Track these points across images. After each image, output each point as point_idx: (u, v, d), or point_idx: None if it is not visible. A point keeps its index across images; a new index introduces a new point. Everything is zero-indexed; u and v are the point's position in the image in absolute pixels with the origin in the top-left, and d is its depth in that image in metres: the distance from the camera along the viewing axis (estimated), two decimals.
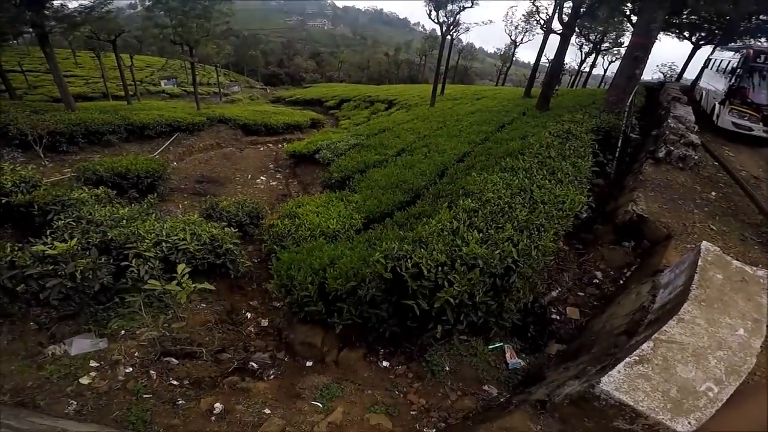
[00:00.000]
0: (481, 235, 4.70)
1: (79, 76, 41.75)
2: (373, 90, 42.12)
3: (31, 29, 17.97)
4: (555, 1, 17.85)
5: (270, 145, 21.64)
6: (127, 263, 5.72)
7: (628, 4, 16.57)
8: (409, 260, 4.37)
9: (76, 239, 5.33)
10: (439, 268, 4.24)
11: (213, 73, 51.36)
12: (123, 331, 5.07)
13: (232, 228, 7.78)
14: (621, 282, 5.56)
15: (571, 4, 16.63)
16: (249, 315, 6.43)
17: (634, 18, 18.61)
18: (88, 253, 5.33)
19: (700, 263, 3.78)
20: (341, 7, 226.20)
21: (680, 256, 4.92)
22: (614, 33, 31.42)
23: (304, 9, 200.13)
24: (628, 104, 10.52)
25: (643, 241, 6.11)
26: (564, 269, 5.94)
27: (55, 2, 17.52)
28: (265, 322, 6.28)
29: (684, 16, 19.38)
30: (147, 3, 24.42)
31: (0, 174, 8.16)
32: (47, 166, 12.15)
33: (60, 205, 7.61)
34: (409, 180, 10.15)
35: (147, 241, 6.31)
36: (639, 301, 4.31)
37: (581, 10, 16.40)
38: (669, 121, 9.42)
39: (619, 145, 9.18)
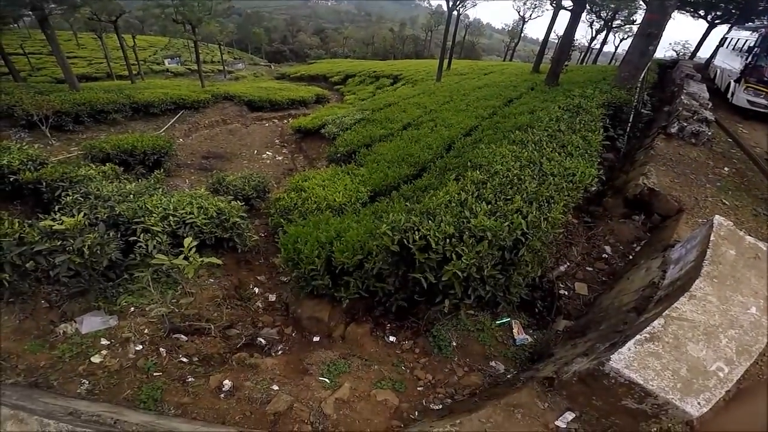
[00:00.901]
0: (489, 206, 4.62)
1: (82, 57, 41.45)
2: (378, 65, 41.11)
3: (30, 12, 17.72)
4: None
5: (275, 120, 21.43)
6: (135, 238, 5.78)
7: None
8: (416, 232, 4.31)
9: (83, 213, 5.33)
10: (447, 241, 4.18)
11: (216, 52, 50.69)
12: (132, 308, 5.12)
13: (238, 202, 7.76)
14: (630, 257, 5.47)
15: None
16: (257, 290, 6.46)
17: None
18: (95, 228, 5.33)
19: (712, 238, 3.67)
20: None
21: (692, 230, 4.81)
22: (626, 10, 30.12)
23: None
24: (640, 80, 10.28)
25: (653, 215, 5.99)
26: (573, 243, 5.86)
27: None
28: (272, 297, 6.32)
29: None
30: None
31: (8, 153, 8.18)
32: (54, 145, 12.16)
33: (68, 182, 7.65)
34: (415, 154, 10.02)
35: (154, 215, 6.32)
36: (649, 276, 4.22)
37: None
38: (682, 97, 9.23)
39: (630, 120, 8.98)
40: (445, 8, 27.38)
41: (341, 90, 32.54)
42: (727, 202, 6.10)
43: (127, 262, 5.59)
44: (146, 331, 4.79)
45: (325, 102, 27.08)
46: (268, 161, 15.01)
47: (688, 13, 22.18)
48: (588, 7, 23.55)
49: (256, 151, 15.88)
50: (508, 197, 4.77)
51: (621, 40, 41.29)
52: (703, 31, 22.92)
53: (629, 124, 8.96)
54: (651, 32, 10.67)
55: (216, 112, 19.40)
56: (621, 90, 10.28)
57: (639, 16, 28.78)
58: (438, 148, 10.24)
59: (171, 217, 6.39)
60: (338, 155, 11.99)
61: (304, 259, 5.24)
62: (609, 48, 42.67)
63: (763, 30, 10.92)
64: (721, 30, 21.35)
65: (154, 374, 4.16)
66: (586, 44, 39.72)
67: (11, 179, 7.64)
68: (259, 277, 6.86)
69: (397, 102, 17.72)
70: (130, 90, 18.12)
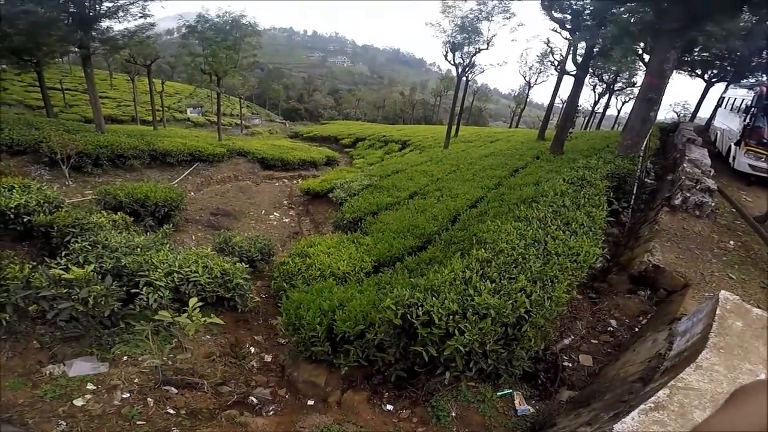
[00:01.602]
0: (493, 285, 4.69)
1: (112, 98, 43.81)
2: (387, 129, 43.01)
3: (77, 49, 19.10)
4: (568, 43, 18.07)
5: (285, 180, 22.07)
6: (137, 290, 5.81)
7: (641, 44, 16.80)
8: (420, 308, 4.37)
9: (93, 266, 5.40)
10: (451, 317, 4.22)
11: (236, 105, 53.32)
12: (126, 357, 5.04)
13: (243, 263, 7.82)
14: (636, 330, 5.45)
15: (584, 44, 16.89)
16: (253, 349, 6.35)
17: (646, 57, 18.75)
18: (102, 279, 5.39)
19: (718, 312, 3.69)
20: (361, 45, 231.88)
21: (698, 304, 4.82)
22: (627, 72, 31.53)
23: (327, 46, 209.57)
24: (642, 148, 10.34)
25: (659, 290, 6.01)
26: (577, 317, 5.85)
27: (102, 24, 18.75)
28: (268, 358, 6.20)
29: (696, 54, 19.42)
30: (184, 30, 25.78)
31: (27, 192, 8.40)
32: (70, 186, 12.51)
33: (78, 229, 7.76)
34: (420, 225, 10.17)
35: (159, 270, 6.39)
36: (655, 348, 4.20)
37: (594, 50, 16.63)
38: (684, 165, 9.18)
39: (634, 192, 9.11)
40: (454, 73, 28.70)
41: (351, 153, 33.85)
42: (733, 276, 6.11)
43: (125, 311, 5.58)
44: (136, 380, 4.66)
45: (335, 164, 28.03)
46: (275, 222, 15.26)
47: (685, 73, 22.71)
48: (590, 71, 24.71)
49: (264, 211, 16.21)
50: (513, 276, 4.85)
51: (623, 103, 42.47)
52: (702, 90, 23.37)
53: (633, 196, 9.07)
54: (651, 97, 10.79)
55: (229, 167, 20.08)
56: (624, 160, 10.31)
57: (639, 78, 30.06)
58: (443, 219, 10.42)
59: (175, 274, 6.45)
60: (344, 222, 12.19)
61: (305, 325, 5.23)
62: (612, 111, 44.14)
63: (759, 88, 10.75)
64: (719, 88, 21.60)
65: (138, 423, 3.99)
66: (590, 108, 41.11)
67: (25, 220, 7.74)
68: (256, 337, 6.76)
69: (405, 169, 18.31)
70: (151, 137, 18.94)
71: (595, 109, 39.84)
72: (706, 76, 22.43)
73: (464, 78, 27.97)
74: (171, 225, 10.16)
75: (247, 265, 7.99)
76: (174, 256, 7.03)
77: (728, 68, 20.52)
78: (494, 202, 10.34)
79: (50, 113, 24.44)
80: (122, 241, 7.47)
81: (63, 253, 6.51)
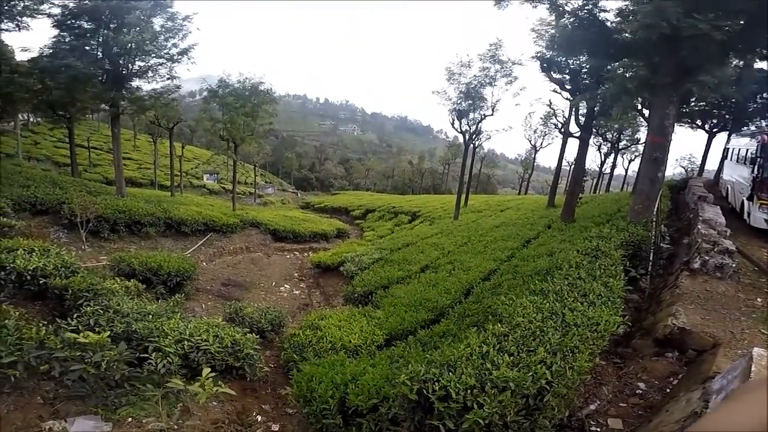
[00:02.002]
0: (511, 358, 4.59)
1: (134, 159, 45.62)
2: (397, 200, 43.51)
3: (108, 107, 20.37)
4: (569, 103, 18.19)
5: (296, 252, 22.23)
6: (145, 355, 5.76)
7: (639, 100, 16.94)
8: (436, 383, 4.25)
9: (108, 333, 5.43)
10: (468, 391, 4.07)
11: (251, 172, 55.03)
12: (130, 419, 4.87)
13: (253, 334, 7.79)
14: (667, 390, 5.17)
15: (585, 104, 17.06)
16: (260, 418, 6.08)
17: (647, 112, 18.90)
18: (116, 344, 5.38)
19: (753, 368, 3.56)
20: (370, 113, 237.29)
21: (731, 362, 4.60)
22: (630, 129, 31.53)
23: (338, 113, 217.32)
24: (654, 211, 10.19)
25: (687, 351, 5.76)
26: (602, 383, 5.59)
27: (132, 83, 20.11)
28: (275, 427, 5.91)
29: (693, 104, 19.42)
30: (205, 94, 27.12)
31: (45, 256, 8.63)
32: (86, 251, 12.70)
33: (92, 293, 7.84)
34: (432, 298, 10.10)
35: (170, 337, 6.38)
36: (690, 407, 4.02)
37: (595, 110, 16.77)
38: (699, 226, 9.02)
39: (651, 258, 8.97)
40: (461, 140, 28.75)
41: (361, 225, 34.30)
42: (765, 332, 5.91)
43: (133, 373, 5.48)
44: None
45: (346, 237, 28.32)
46: (286, 294, 15.22)
47: (686, 125, 22.56)
48: (594, 130, 24.43)
49: (274, 283, 16.22)
50: (531, 349, 4.75)
51: (629, 162, 42.18)
52: (705, 142, 23.10)
53: (650, 262, 8.91)
54: (656, 157, 10.76)
55: (242, 238, 20.43)
56: (637, 226, 10.16)
57: (642, 134, 30.12)
58: (456, 292, 10.34)
59: (186, 342, 6.42)
60: (355, 295, 12.21)
61: (317, 398, 5.10)
62: (620, 170, 43.53)
63: (761, 137, 10.64)
64: (722, 138, 21.42)
65: None
66: (597, 169, 40.52)
67: (41, 282, 7.87)
68: (264, 406, 6.50)
69: (415, 242, 18.43)
70: (168, 204, 19.51)
71: (603, 169, 39.44)
72: (707, 127, 22.32)
73: (471, 145, 28.11)
74: (182, 294, 10.22)
75: (257, 336, 7.94)
76: (185, 325, 7.05)
77: (727, 117, 20.57)
78: (508, 274, 10.28)
79: (75, 172, 25.58)
80: (134, 307, 7.51)
81: (75, 315, 6.53)
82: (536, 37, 15.65)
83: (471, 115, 25.56)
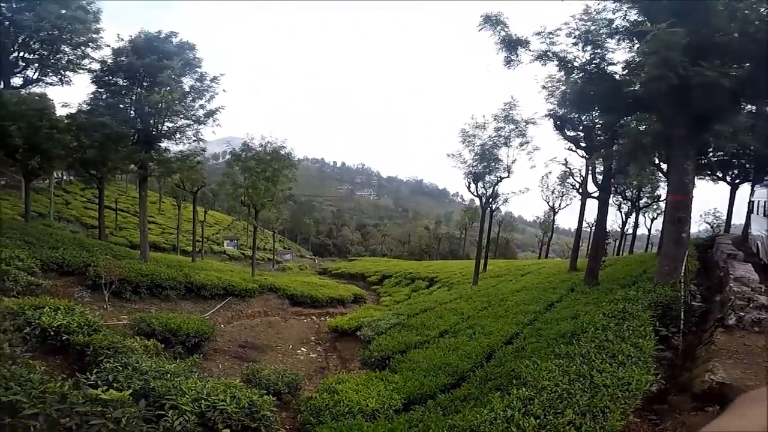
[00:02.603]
0: (538, 421, 4.39)
1: (158, 223, 46.65)
2: (414, 266, 42.79)
3: (137, 168, 21.07)
4: (585, 162, 17.84)
5: (314, 317, 22.04)
6: (162, 412, 5.69)
7: (656, 155, 16.25)
8: None
9: (130, 390, 5.46)
10: None
11: (270, 239, 55.65)
12: None
13: (270, 395, 7.67)
14: None
15: (602, 163, 16.52)
16: None
17: (665, 166, 18.14)
18: (136, 402, 5.38)
19: None
20: (386, 177, 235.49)
21: None
22: (649, 186, 30.14)
23: (354, 178, 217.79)
24: (681, 272, 9.90)
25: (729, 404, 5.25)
26: None
27: (161, 145, 21.12)
28: None
29: (711, 155, 18.48)
30: (228, 157, 28.09)
31: (70, 314, 8.86)
32: (108, 310, 12.90)
33: (113, 351, 7.92)
34: (453, 363, 9.88)
35: (187, 396, 6.33)
36: None
37: (612, 167, 16.19)
38: (731, 284, 8.72)
39: (682, 317, 8.59)
40: (478, 203, 27.89)
41: (378, 290, 33.86)
42: None
43: (150, 430, 5.38)
44: None
45: (362, 302, 27.99)
46: (302, 357, 15.08)
47: (706, 177, 21.50)
48: (613, 189, 23.19)
49: (291, 346, 16.08)
50: (559, 411, 4.53)
51: (652, 221, 39.68)
52: (729, 194, 21.82)
53: (682, 320, 8.50)
54: (679, 217, 10.36)
55: (260, 302, 20.46)
56: (665, 287, 9.75)
57: (663, 190, 28.38)
58: (477, 357, 10.08)
59: (203, 401, 6.35)
60: (372, 359, 12.10)
61: None
62: (642, 230, 40.49)
63: None
64: (745, 189, 20.38)
65: None
66: (619, 229, 38.32)
67: (63, 338, 8.04)
68: None
69: (434, 307, 18.12)
70: (189, 269, 19.89)
71: (625, 230, 37.55)
72: (728, 178, 21.51)
73: (488, 208, 27.21)
74: (200, 354, 10.19)
75: (274, 398, 7.77)
76: (202, 384, 7.02)
77: (747, 166, 19.84)
78: (531, 338, 9.99)
79: (102, 235, 26.39)
80: (152, 365, 7.53)
81: (95, 371, 6.58)
82: (548, 94, 15.57)
83: (487, 178, 24.84)
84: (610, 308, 8.51)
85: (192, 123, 21.50)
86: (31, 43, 17.83)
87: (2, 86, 17.68)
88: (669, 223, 11.15)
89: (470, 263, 34.61)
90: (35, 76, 18.84)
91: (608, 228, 22.58)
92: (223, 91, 22.26)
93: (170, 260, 22.86)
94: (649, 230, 41.79)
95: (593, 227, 18.40)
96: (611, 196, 22.07)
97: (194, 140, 22.18)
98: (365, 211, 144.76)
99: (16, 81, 18.52)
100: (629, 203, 33.09)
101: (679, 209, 10.58)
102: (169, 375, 7.25)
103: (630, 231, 37.00)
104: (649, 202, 33.88)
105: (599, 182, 16.96)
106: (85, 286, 14.02)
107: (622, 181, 25.51)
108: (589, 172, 18.31)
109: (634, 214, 34.56)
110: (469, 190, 25.88)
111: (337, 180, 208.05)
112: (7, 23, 17.06)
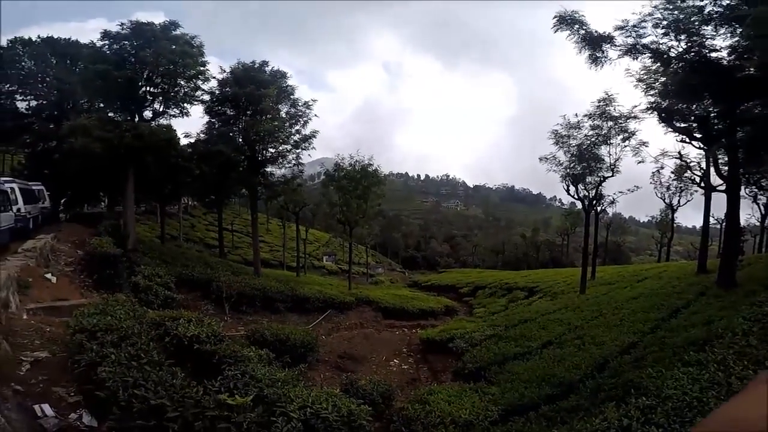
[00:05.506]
0: (660, 430, 3.89)
1: (267, 242, 51.17)
2: (510, 276, 40.42)
3: (246, 192, 23.14)
4: (705, 156, 15.97)
5: (405, 329, 22.23)
6: (273, 418, 6.17)
7: None
8: None
9: (252, 395, 6.05)
10: None
11: (363, 254, 57.83)
12: None
13: (366, 405, 7.97)
14: None
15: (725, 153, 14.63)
16: None
17: None
18: (254, 408, 5.95)
19: None
20: (472, 186, 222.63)
21: None
22: None
23: (439, 190, 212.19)
24: None
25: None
26: None
27: (267, 169, 23.09)
28: None
29: None
30: (323, 177, 30.28)
31: (200, 325, 10.06)
32: (228, 321, 14.48)
33: (233, 359, 8.81)
34: (558, 374, 9.34)
35: (294, 403, 6.81)
36: None
37: (739, 156, 14.13)
38: None
39: None
40: (579, 206, 25.51)
41: (470, 302, 32.76)
42: None
43: None
44: None
45: (454, 314, 27.40)
46: (395, 369, 15.42)
47: None
48: (744, 178, 19.64)
49: (384, 358, 16.52)
50: (686, 419, 3.98)
51: None
52: None
53: None
54: None
55: (356, 315, 21.35)
56: None
57: None
58: (587, 368, 9.36)
59: (308, 408, 6.79)
60: (465, 371, 11.93)
61: None
62: None
63: None
64: None
65: None
66: (758, 223, 31.83)
67: (195, 347, 9.09)
68: None
69: (535, 318, 17.18)
70: (294, 283, 21.70)
71: (766, 224, 31.02)
72: None
73: (592, 211, 24.62)
74: (306, 364, 10.90)
75: (369, 407, 8.02)
76: (307, 393, 7.54)
77: None
78: (653, 347, 9.00)
79: (222, 254, 29.65)
80: (266, 373, 8.21)
81: (219, 378, 7.36)
82: (645, 87, 14.29)
83: (588, 179, 22.45)
84: (752, 312, 7.35)
85: (291, 148, 23.39)
86: (154, 77, 19.45)
87: (137, 119, 19.84)
88: None
89: (575, 271, 31.57)
90: (161, 109, 20.75)
91: (743, 223, 19.23)
92: (315, 116, 23.89)
93: (278, 275, 24.99)
94: None
95: (723, 223, 15.77)
96: (742, 187, 18.72)
97: (294, 164, 24.08)
98: (453, 222, 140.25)
99: (147, 114, 20.45)
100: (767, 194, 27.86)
101: None
102: (279, 383, 7.87)
103: None
104: None
105: (724, 174, 14.80)
106: (210, 299, 15.95)
107: (756, 171, 21.50)
108: (710, 164, 16.31)
109: None
110: (569, 193, 23.70)
111: (422, 193, 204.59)
112: (132, 60, 18.77)
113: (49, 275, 10.93)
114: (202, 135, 23.55)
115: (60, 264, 12.64)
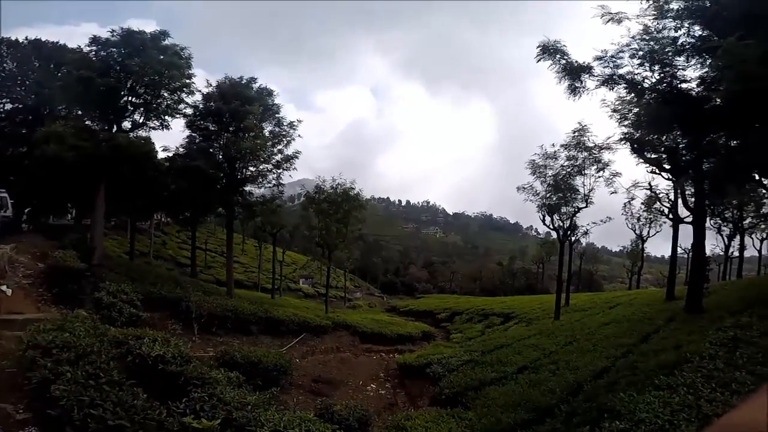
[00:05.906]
0: None
1: (241, 263, 49.53)
2: (487, 302, 40.59)
3: (224, 211, 22.48)
4: (674, 187, 16.36)
5: (383, 354, 21.93)
6: None
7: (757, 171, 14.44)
8: None
9: (220, 419, 5.77)
10: None
11: (341, 278, 57.09)
12: None
13: (341, 431, 7.71)
14: None
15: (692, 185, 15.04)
16: None
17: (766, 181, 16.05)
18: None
19: None
20: (452, 213, 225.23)
21: None
22: (752, 204, 26.29)
23: (420, 216, 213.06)
24: None
25: None
26: None
27: (246, 188, 22.52)
28: None
29: None
30: (302, 199, 29.66)
31: (166, 345, 9.62)
32: (196, 342, 13.86)
33: (200, 381, 8.41)
34: (534, 399, 9.26)
35: (265, 428, 6.54)
36: None
37: (705, 187, 14.57)
38: None
39: None
40: (554, 236, 26.01)
41: (448, 327, 32.60)
42: None
43: None
44: None
45: (432, 339, 27.25)
46: (371, 393, 15.13)
47: None
48: (709, 210, 20.12)
49: (361, 382, 16.20)
50: None
51: (761, 241, 34.08)
52: None
53: None
54: None
55: (332, 339, 20.91)
56: None
57: None
58: (562, 392, 9.30)
59: None
60: (443, 396, 11.82)
61: None
62: (752, 251, 34.82)
63: None
64: None
65: None
66: (722, 253, 33.33)
67: (159, 367, 8.64)
68: None
69: (510, 343, 17.21)
70: (268, 305, 21.00)
71: (730, 254, 32.93)
72: None
73: (567, 241, 25.07)
74: (278, 387, 10.55)
75: None
76: (279, 417, 7.27)
77: None
78: (625, 370, 9.06)
79: (194, 273, 28.58)
80: (235, 396, 7.87)
81: (184, 400, 6.99)
82: (620, 117, 14.64)
83: (563, 209, 22.81)
84: (718, 336, 7.57)
85: (272, 168, 22.94)
86: (137, 87, 19.00)
87: (115, 130, 19.11)
88: None
89: (550, 297, 32.00)
90: (141, 120, 20.08)
91: (709, 253, 19.94)
92: (299, 136, 23.58)
93: (252, 296, 24.26)
94: (759, 252, 35.83)
95: (690, 253, 16.42)
96: (708, 219, 19.65)
97: (275, 184, 23.67)
98: (432, 249, 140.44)
99: (125, 125, 19.76)
100: (730, 225, 29.49)
101: None
102: (249, 406, 7.53)
103: (736, 254, 32.39)
104: (756, 222, 29.81)
105: (691, 205, 15.34)
106: (178, 318, 15.27)
107: (720, 202, 22.62)
108: (678, 195, 16.83)
109: (738, 237, 30.65)
110: (545, 224, 24.21)
111: (403, 218, 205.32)
112: (118, 68, 18.29)
113: (4, 287, 10.39)
114: (181, 149, 22.98)
115: (17, 276, 12.03)
